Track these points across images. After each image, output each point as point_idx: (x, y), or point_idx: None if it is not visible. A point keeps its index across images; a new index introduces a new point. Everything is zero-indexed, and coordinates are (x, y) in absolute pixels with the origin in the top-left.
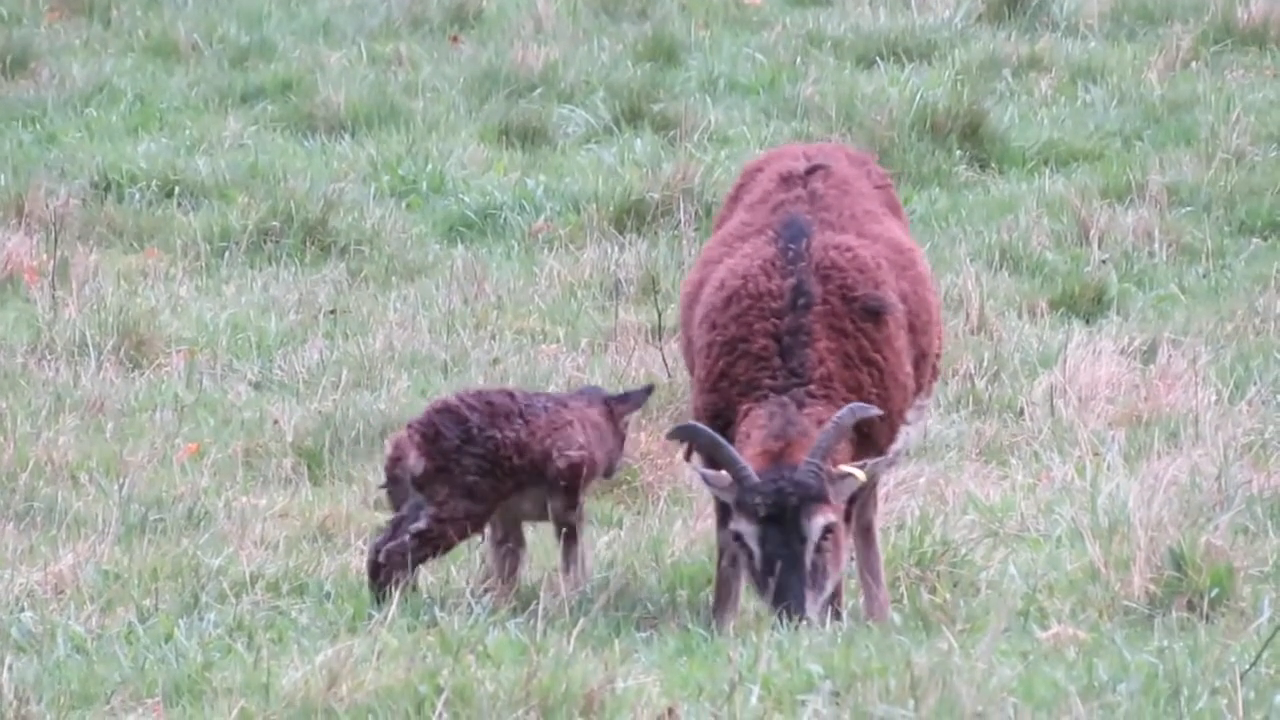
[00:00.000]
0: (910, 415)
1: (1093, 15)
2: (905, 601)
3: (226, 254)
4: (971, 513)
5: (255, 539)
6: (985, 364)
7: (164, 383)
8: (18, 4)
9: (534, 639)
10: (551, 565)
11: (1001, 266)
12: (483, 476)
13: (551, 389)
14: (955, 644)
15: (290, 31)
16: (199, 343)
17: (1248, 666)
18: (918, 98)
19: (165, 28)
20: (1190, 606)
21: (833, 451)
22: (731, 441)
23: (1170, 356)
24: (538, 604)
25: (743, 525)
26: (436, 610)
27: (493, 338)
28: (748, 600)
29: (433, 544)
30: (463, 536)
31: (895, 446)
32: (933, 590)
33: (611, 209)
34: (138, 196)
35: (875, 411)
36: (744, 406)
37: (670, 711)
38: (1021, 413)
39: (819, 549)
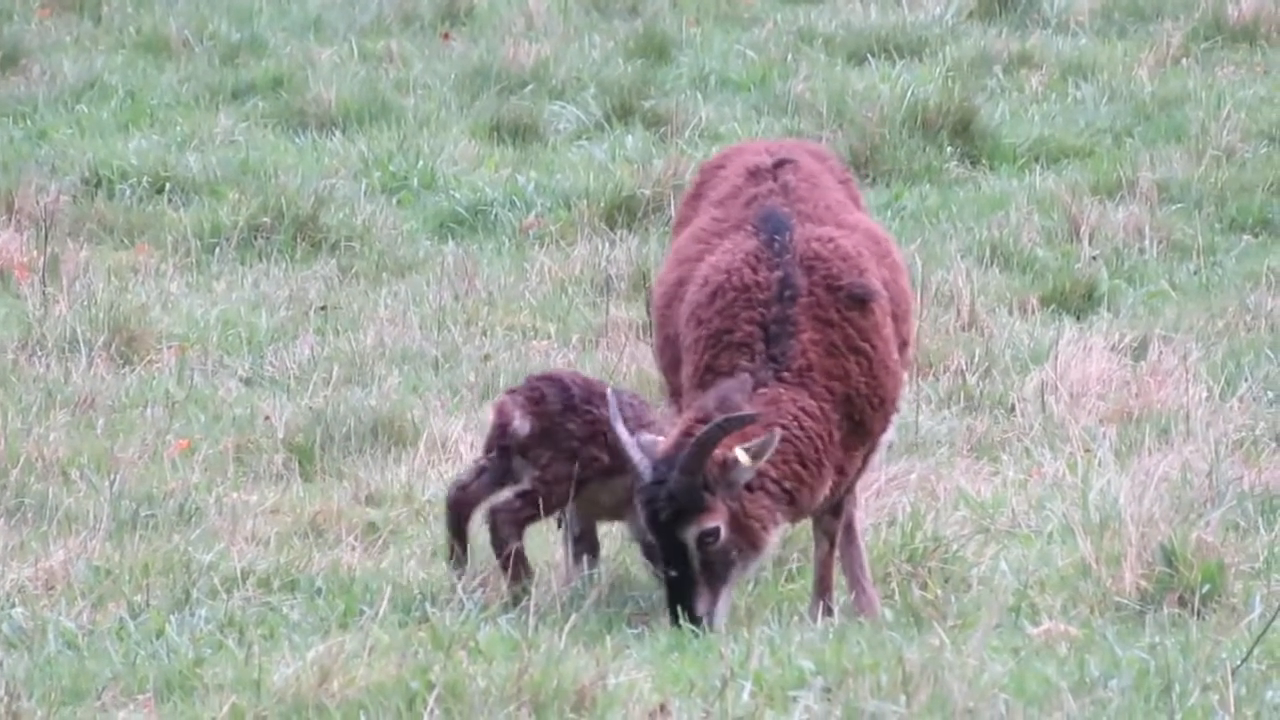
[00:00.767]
0: None
1: (1083, 12)
2: (896, 597)
3: (217, 250)
4: (963, 509)
5: (246, 535)
6: (976, 360)
7: (155, 379)
8: (9, 0)
9: (526, 635)
10: (545, 559)
11: (992, 263)
12: (584, 444)
13: None
14: (947, 640)
15: (281, 28)
16: (190, 339)
17: (1239, 662)
18: (909, 94)
19: (156, 24)
20: (1181, 602)
21: (698, 468)
22: None
23: (1161, 353)
24: (529, 600)
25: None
26: (428, 606)
27: (484, 334)
28: (740, 596)
29: (534, 505)
30: (561, 503)
31: (886, 436)
32: (924, 586)
33: (602, 205)
34: (128, 193)
35: (749, 415)
36: None
37: (662, 708)
38: (1012, 409)
39: (704, 552)
